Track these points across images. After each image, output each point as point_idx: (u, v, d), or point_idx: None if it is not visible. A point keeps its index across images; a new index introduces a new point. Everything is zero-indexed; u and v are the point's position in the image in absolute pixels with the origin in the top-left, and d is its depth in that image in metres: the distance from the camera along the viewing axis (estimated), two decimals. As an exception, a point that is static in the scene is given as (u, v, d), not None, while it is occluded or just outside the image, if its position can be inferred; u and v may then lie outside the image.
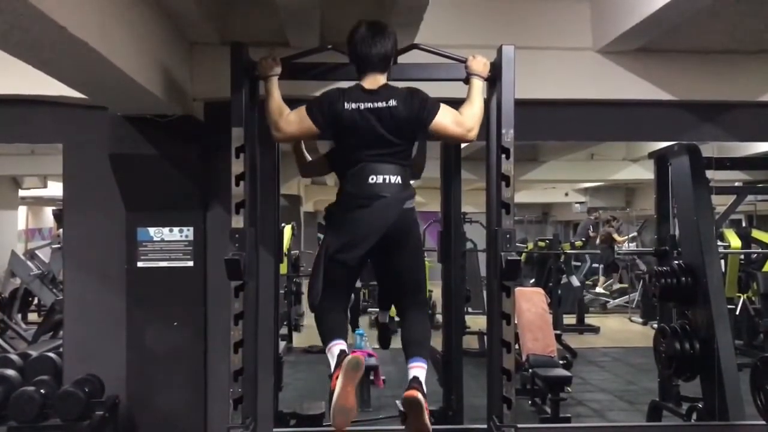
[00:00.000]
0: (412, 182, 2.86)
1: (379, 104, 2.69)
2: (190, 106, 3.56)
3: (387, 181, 2.68)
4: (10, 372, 3.69)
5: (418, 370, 2.66)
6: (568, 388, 5.84)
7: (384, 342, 4.24)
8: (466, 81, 2.93)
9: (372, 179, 2.68)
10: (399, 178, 2.71)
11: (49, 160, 8.55)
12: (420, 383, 2.61)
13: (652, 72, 3.74)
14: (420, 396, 2.54)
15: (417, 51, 3.06)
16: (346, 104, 2.70)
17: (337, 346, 2.70)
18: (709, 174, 5.03)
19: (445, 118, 2.74)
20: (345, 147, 2.79)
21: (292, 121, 2.76)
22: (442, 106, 2.76)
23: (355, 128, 2.70)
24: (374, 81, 2.76)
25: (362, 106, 2.69)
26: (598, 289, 13.92)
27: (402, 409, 2.63)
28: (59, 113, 3.66)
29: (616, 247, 13.05)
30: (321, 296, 2.76)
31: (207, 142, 3.63)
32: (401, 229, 2.72)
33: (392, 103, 2.69)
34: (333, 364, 2.65)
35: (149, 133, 3.50)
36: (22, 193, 11.73)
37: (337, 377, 2.55)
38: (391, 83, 2.80)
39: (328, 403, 2.55)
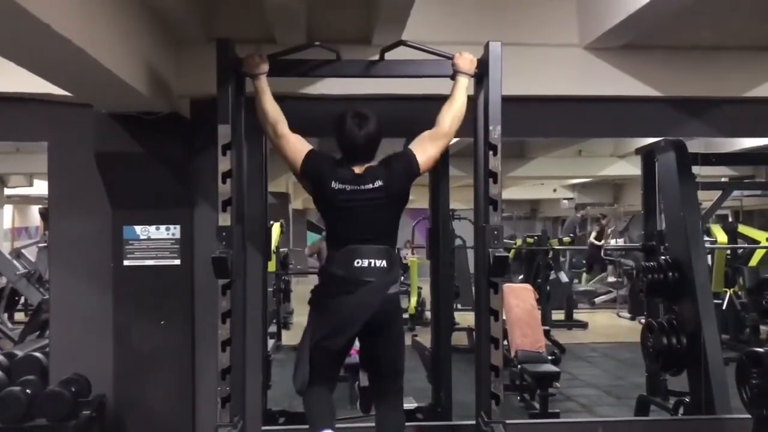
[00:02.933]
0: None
1: (367, 186, 2.76)
2: (176, 104, 3.55)
3: (372, 265, 2.73)
4: (-4, 372, 3.66)
5: None
6: (557, 384, 5.85)
7: (365, 407, 4.31)
8: (453, 77, 2.94)
9: (357, 263, 2.73)
10: (384, 261, 2.76)
11: (34, 158, 8.45)
12: None
13: (638, 68, 3.75)
14: None
15: (404, 48, 3.06)
16: (333, 183, 2.76)
17: None
18: (696, 170, 5.06)
19: (423, 153, 2.85)
20: (331, 223, 2.88)
21: (288, 151, 2.84)
22: (413, 144, 2.87)
23: (341, 209, 2.78)
24: (361, 167, 2.82)
25: (348, 188, 2.76)
26: (583, 287, 13.97)
27: None
28: (44, 111, 3.63)
29: (604, 242, 13.10)
30: (309, 381, 2.81)
31: (193, 139, 3.62)
32: (384, 317, 2.78)
33: (379, 183, 2.76)
34: None
35: (135, 130, 3.48)
36: (7, 191, 11.64)
37: None
38: (372, 164, 2.84)
39: None
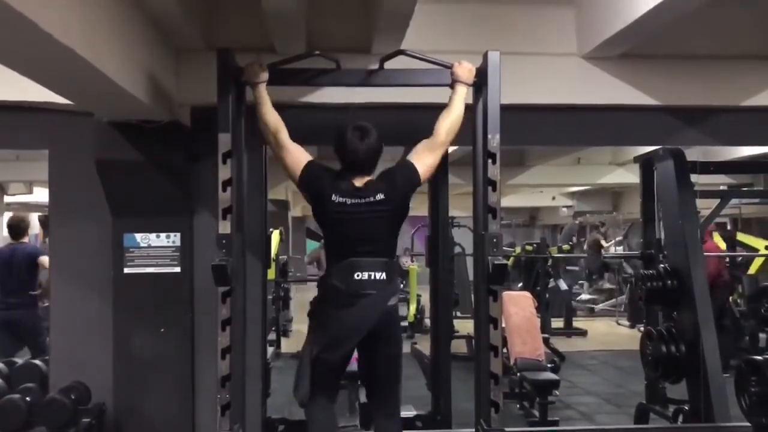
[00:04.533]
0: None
1: (368, 199, 2.79)
2: (177, 112, 3.56)
3: (372, 277, 2.76)
4: (-4, 380, 3.67)
5: None
6: (556, 392, 5.85)
7: (365, 423, 4.34)
8: (451, 86, 2.96)
9: (358, 276, 2.75)
10: (384, 274, 2.78)
11: (34, 166, 8.46)
12: None
13: (636, 77, 3.77)
14: None
15: (403, 57, 3.08)
16: (334, 196, 2.78)
17: None
18: (694, 178, 5.07)
19: (423, 163, 2.89)
20: (331, 235, 2.89)
21: (288, 161, 2.87)
22: (412, 155, 2.91)
23: (341, 222, 2.80)
24: (362, 180, 2.84)
25: (349, 201, 2.78)
26: (584, 296, 13.97)
27: None
28: (45, 119, 3.64)
29: (603, 251, 13.12)
30: (310, 394, 2.84)
31: (193, 147, 3.63)
32: (383, 328, 2.81)
33: (380, 196, 2.79)
34: None
35: (135, 139, 3.49)
36: (7, 199, 11.63)
37: None
38: (372, 178, 2.86)
39: None
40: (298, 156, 2.86)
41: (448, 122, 2.89)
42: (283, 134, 2.87)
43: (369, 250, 2.77)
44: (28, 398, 3.48)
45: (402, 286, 9.03)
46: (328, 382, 2.93)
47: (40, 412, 3.43)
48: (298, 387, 2.87)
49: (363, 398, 3.24)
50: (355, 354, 3.08)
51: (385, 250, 2.83)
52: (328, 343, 2.77)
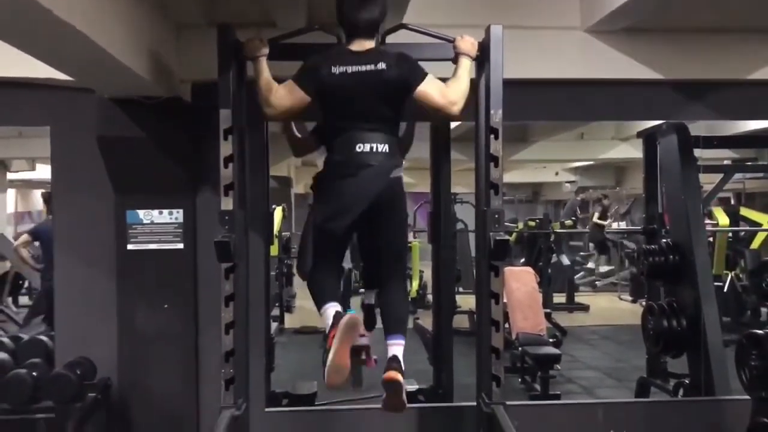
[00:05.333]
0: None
1: (368, 67, 2.68)
2: (178, 88, 3.55)
3: (374, 149, 2.69)
4: (2, 355, 3.70)
5: (398, 347, 2.73)
6: (558, 366, 5.90)
7: (369, 323, 4.31)
8: (455, 61, 2.93)
9: (359, 147, 2.68)
10: (386, 146, 2.71)
11: (37, 142, 8.46)
12: (399, 362, 2.67)
13: (640, 51, 3.74)
14: (400, 377, 2.61)
15: (405, 31, 3.05)
16: (333, 68, 2.68)
17: (332, 307, 2.75)
18: (697, 153, 5.05)
19: (430, 87, 2.73)
20: (332, 113, 2.78)
21: (283, 95, 2.75)
22: (429, 75, 2.76)
23: (343, 93, 2.69)
24: (362, 45, 2.75)
25: (350, 69, 2.67)
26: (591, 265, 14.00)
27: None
28: (46, 96, 3.63)
29: (605, 228, 13.10)
30: (312, 265, 2.81)
31: (195, 123, 3.62)
32: (387, 199, 2.73)
33: (381, 65, 2.68)
34: (329, 324, 2.70)
35: (137, 115, 3.48)
36: (10, 176, 11.65)
37: (333, 336, 2.59)
38: (381, 48, 2.79)
39: (324, 361, 2.60)
40: (288, 85, 2.74)
41: (458, 87, 2.77)
42: (275, 86, 2.76)
43: (370, 122, 2.70)
44: (34, 373, 3.51)
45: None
46: (332, 253, 2.89)
47: (46, 386, 3.47)
48: (301, 262, 2.85)
49: (369, 299, 3.23)
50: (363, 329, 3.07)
51: (386, 126, 2.75)
52: (331, 214, 2.72)
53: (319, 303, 2.81)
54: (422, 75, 2.73)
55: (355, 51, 2.73)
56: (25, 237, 7.38)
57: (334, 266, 2.94)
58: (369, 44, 2.76)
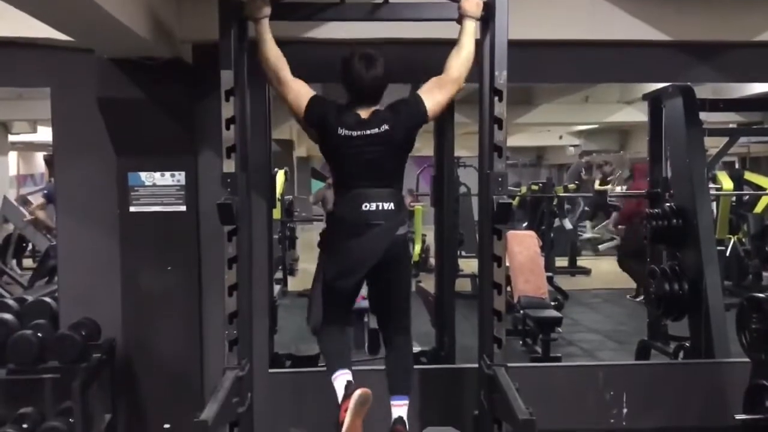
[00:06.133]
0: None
1: (373, 131, 2.74)
2: (178, 49, 3.50)
3: (380, 208, 2.74)
4: (7, 316, 3.72)
5: (402, 408, 2.79)
6: (559, 329, 5.94)
7: (374, 348, 4.41)
8: (459, 21, 2.89)
9: (365, 207, 2.74)
10: (392, 204, 2.77)
11: (37, 104, 8.41)
12: (404, 424, 2.75)
13: (647, 12, 3.68)
14: None
15: (409, -9, 3.00)
16: (339, 129, 2.74)
17: (343, 376, 2.78)
18: (703, 116, 5.01)
19: (432, 99, 2.81)
20: (337, 167, 2.86)
21: (291, 97, 2.82)
22: (422, 90, 2.84)
23: (349, 155, 2.76)
24: (367, 111, 2.79)
25: (355, 134, 2.74)
26: (588, 234, 13.97)
27: None
28: (45, 56, 3.59)
29: (609, 188, 13.04)
30: (322, 321, 2.88)
31: (196, 85, 3.58)
32: (392, 257, 2.80)
33: (385, 127, 2.74)
34: (340, 395, 2.73)
35: (137, 76, 3.44)
36: (11, 138, 11.60)
37: (345, 410, 2.62)
38: (379, 108, 2.81)
39: None
40: (302, 92, 2.82)
41: (460, 59, 2.82)
42: (285, 71, 2.81)
43: (376, 182, 2.76)
44: (39, 334, 3.54)
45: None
46: (341, 309, 2.97)
47: (51, 347, 3.49)
48: (310, 316, 2.92)
49: (372, 325, 3.30)
50: (363, 292, 3.11)
51: (391, 182, 2.81)
52: (339, 271, 2.79)
53: (330, 368, 2.85)
54: (419, 102, 2.80)
55: (362, 118, 2.77)
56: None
57: (343, 322, 3.03)
58: (373, 108, 2.80)
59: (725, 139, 7.38)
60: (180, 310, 3.74)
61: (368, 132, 2.73)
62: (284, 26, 3.02)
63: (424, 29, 3.23)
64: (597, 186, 12.50)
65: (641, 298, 8.13)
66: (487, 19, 2.90)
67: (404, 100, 2.87)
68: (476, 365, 3.08)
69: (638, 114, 10.32)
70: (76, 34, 3.08)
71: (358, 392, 2.60)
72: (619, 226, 10.22)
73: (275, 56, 2.81)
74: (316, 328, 2.91)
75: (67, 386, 3.38)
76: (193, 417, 2.38)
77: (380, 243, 2.73)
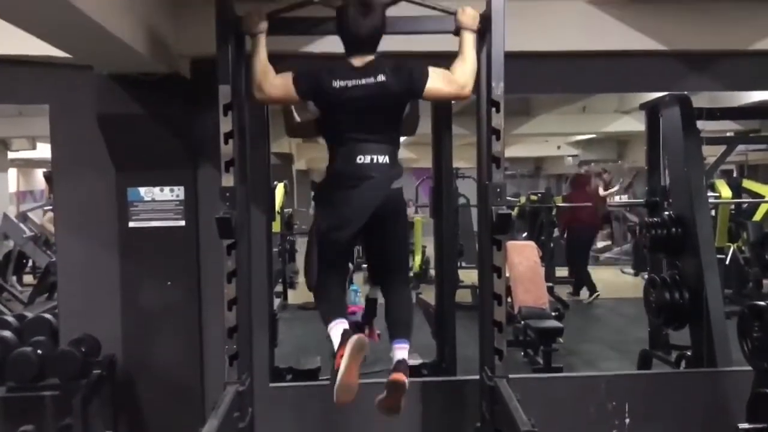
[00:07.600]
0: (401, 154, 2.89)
1: (368, 80, 2.70)
2: (176, 64, 3.52)
3: (375, 161, 2.71)
4: (7, 333, 3.72)
5: (403, 351, 2.77)
6: (560, 339, 5.93)
7: (370, 315, 4.39)
8: (456, 33, 2.90)
9: (360, 159, 2.71)
10: (387, 157, 2.74)
11: (37, 121, 8.45)
12: (406, 366, 2.72)
13: (643, 22, 3.70)
14: (406, 381, 2.67)
15: (405, 3, 3.01)
16: (334, 82, 2.70)
17: (339, 325, 2.74)
18: (700, 124, 5.02)
19: (436, 82, 2.75)
20: (333, 123, 2.81)
21: (277, 85, 2.77)
22: (431, 69, 2.77)
23: (344, 106, 2.72)
24: (362, 60, 2.76)
25: (350, 83, 2.69)
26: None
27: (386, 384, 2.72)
28: (44, 73, 3.61)
29: (607, 199, 13.07)
30: (317, 275, 2.83)
31: (194, 100, 3.60)
32: (388, 210, 2.77)
33: (381, 78, 2.69)
34: (336, 342, 2.70)
35: (136, 92, 3.46)
36: (11, 155, 11.64)
37: (341, 356, 2.60)
38: (378, 58, 2.78)
39: (332, 380, 2.62)
40: (283, 77, 2.77)
41: (466, 69, 2.78)
42: (271, 72, 2.78)
43: (370, 135, 2.73)
44: (39, 351, 3.54)
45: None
46: (337, 261, 2.93)
47: (51, 364, 3.49)
48: (308, 271, 2.88)
49: (372, 294, 3.28)
50: (357, 305, 3.09)
51: (386, 135, 2.78)
52: (334, 224, 2.75)
53: (326, 318, 2.82)
54: (424, 74, 2.74)
55: (356, 66, 2.74)
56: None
57: (339, 276, 2.99)
58: (369, 58, 2.77)
59: (723, 148, 7.40)
60: (180, 325, 3.73)
61: (363, 81, 2.69)
62: (282, 41, 3.04)
63: (422, 42, 3.24)
64: (602, 193, 12.54)
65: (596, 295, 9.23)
66: (483, 32, 2.91)
67: (409, 65, 2.78)
68: (477, 377, 3.07)
69: (636, 123, 10.34)
70: (74, 51, 3.10)
71: (353, 338, 2.59)
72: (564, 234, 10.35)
73: (263, 69, 2.78)
74: (312, 285, 2.87)
75: (67, 403, 3.38)
76: (194, 432, 2.37)
77: (374, 195, 2.70)
